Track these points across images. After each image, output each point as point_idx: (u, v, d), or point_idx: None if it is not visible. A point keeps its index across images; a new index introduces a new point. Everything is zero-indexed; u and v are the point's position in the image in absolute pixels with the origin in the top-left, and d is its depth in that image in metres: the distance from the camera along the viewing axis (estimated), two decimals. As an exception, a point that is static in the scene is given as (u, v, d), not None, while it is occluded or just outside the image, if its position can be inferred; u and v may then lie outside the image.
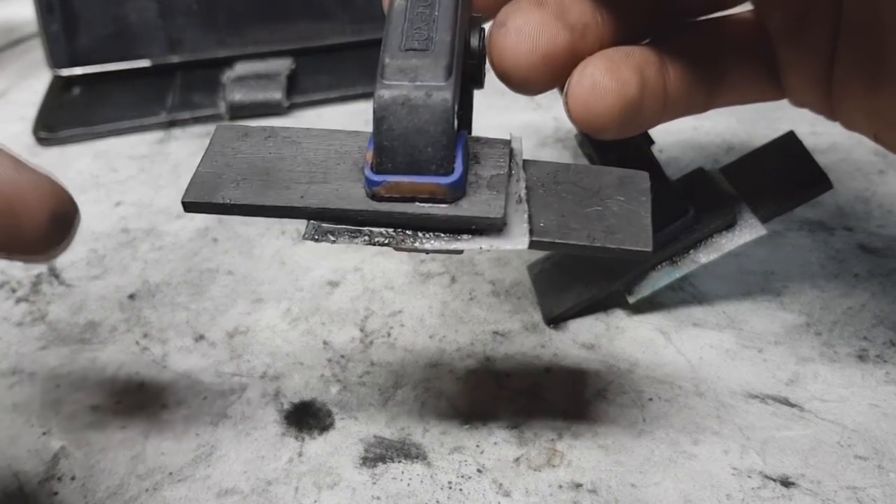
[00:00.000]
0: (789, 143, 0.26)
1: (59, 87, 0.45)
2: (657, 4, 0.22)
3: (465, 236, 0.17)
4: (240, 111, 0.41)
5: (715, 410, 0.24)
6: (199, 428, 0.24)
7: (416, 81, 0.17)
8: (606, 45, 0.21)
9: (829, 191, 0.26)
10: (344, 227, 0.17)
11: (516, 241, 0.17)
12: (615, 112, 0.20)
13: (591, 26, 0.21)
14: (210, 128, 0.41)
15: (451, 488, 0.22)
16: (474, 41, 0.20)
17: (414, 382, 0.25)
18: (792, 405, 0.24)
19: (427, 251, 0.17)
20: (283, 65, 0.43)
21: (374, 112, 0.17)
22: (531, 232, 0.17)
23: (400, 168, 0.17)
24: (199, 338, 0.28)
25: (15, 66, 0.50)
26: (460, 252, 0.18)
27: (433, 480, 0.22)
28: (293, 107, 0.42)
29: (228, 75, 0.43)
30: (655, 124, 0.22)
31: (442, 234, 0.17)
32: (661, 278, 0.26)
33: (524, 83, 0.20)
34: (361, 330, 0.28)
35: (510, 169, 0.18)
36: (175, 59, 0.44)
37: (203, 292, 0.30)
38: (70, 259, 0.33)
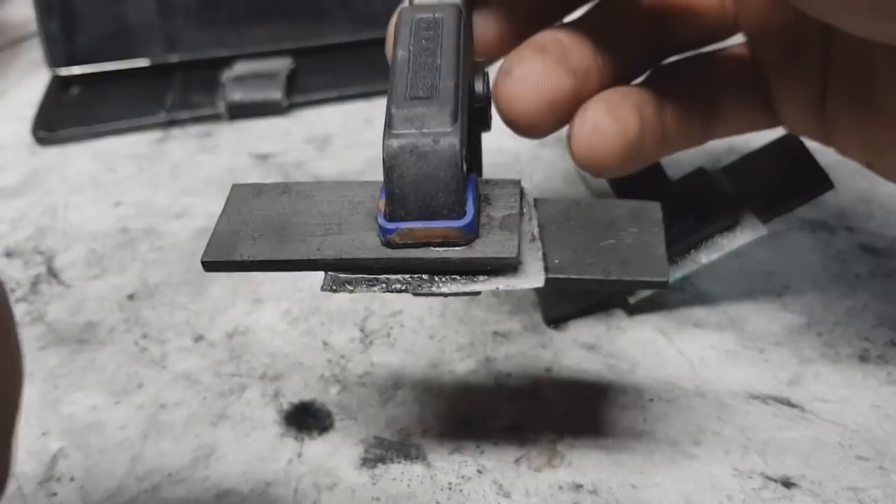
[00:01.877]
0: (790, 144, 0.26)
1: (58, 87, 0.45)
2: (653, 43, 0.23)
3: (481, 277, 0.17)
4: (239, 111, 0.41)
5: (716, 411, 0.24)
6: (198, 429, 0.24)
7: (423, 129, 0.17)
8: (608, 85, 0.21)
9: (830, 191, 0.26)
10: (361, 276, 0.18)
11: (532, 279, 0.17)
12: (617, 152, 0.20)
13: (592, 68, 0.21)
14: (209, 127, 0.41)
15: (451, 489, 0.22)
16: (478, 86, 0.20)
17: (414, 383, 0.25)
18: (793, 406, 0.24)
19: (445, 295, 0.18)
20: (282, 64, 0.43)
21: (384, 161, 0.17)
22: (546, 269, 0.18)
23: (412, 214, 0.17)
24: (199, 338, 0.28)
25: (14, 65, 0.50)
26: (478, 293, 0.18)
27: (433, 481, 0.22)
28: (292, 106, 0.42)
29: (227, 75, 0.43)
30: (655, 160, 0.22)
31: (458, 277, 0.17)
32: (661, 278, 0.26)
33: (530, 128, 0.21)
34: (361, 330, 0.28)
35: (521, 208, 0.18)
36: (174, 58, 0.44)
37: (202, 292, 0.30)
38: (69, 259, 0.32)
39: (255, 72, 0.43)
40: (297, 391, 0.25)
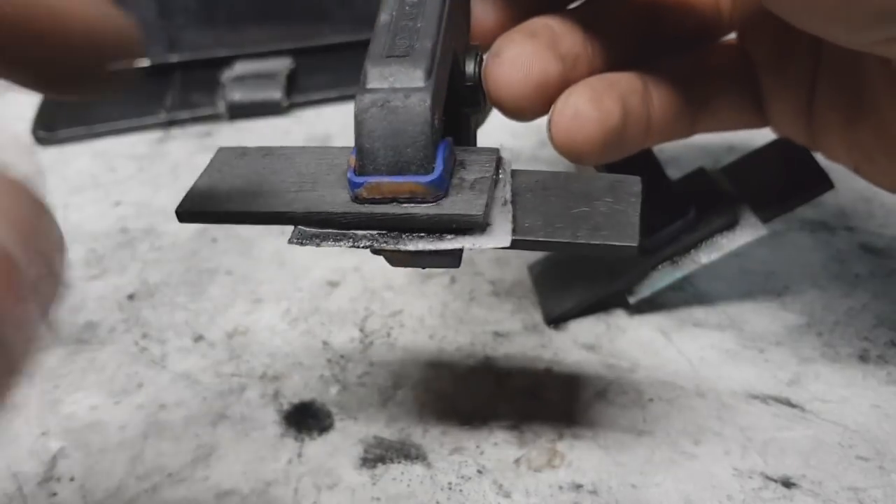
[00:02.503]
0: (791, 143, 0.26)
1: (58, 87, 0.45)
2: (645, 34, 0.23)
3: (448, 236, 0.17)
4: (239, 111, 0.41)
5: (716, 411, 0.24)
6: (198, 428, 0.24)
7: (395, 85, 0.17)
8: (597, 73, 0.21)
9: (830, 191, 0.26)
10: (328, 230, 0.18)
11: (499, 239, 0.17)
12: (596, 140, 0.20)
13: (581, 56, 0.21)
14: (209, 127, 0.41)
15: (451, 489, 0.22)
16: (469, 66, 0.20)
17: (414, 383, 0.25)
18: (793, 406, 0.24)
19: (411, 252, 0.17)
20: (282, 64, 0.43)
21: (355, 116, 0.17)
22: (514, 231, 0.17)
23: (381, 169, 0.17)
24: (199, 338, 0.28)
25: (14, 65, 0.50)
26: (449, 258, 0.18)
27: (433, 481, 0.22)
28: (293, 106, 0.42)
29: (227, 75, 0.43)
30: (637, 150, 0.22)
31: (425, 235, 0.17)
32: (661, 278, 0.26)
33: (518, 111, 0.21)
34: (361, 330, 0.28)
35: (497, 174, 0.18)
36: (174, 58, 0.44)
37: (202, 292, 0.30)
38: (69, 259, 0.32)
39: (255, 72, 0.43)
40: (296, 391, 0.25)
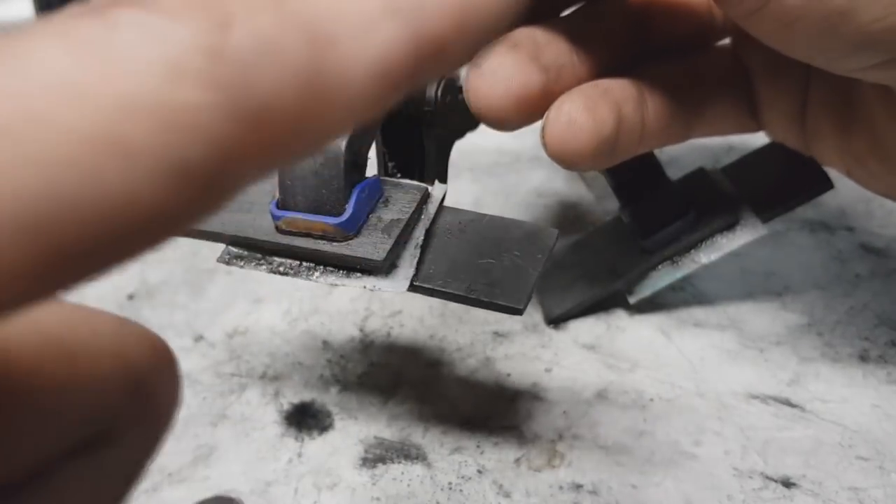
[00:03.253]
0: (790, 143, 0.26)
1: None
2: (637, 41, 0.23)
3: (356, 274, 0.19)
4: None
5: (716, 411, 0.24)
6: (198, 428, 0.24)
7: None
8: (584, 82, 0.21)
9: (830, 191, 0.26)
10: (253, 254, 0.19)
11: (398, 284, 0.18)
12: (590, 149, 0.20)
13: (566, 66, 0.21)
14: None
15: (451, 489, 0.22)
16: (430, 91, 0.21)
17: (414, 383, 0.25)
18: (793, 405, 0.24)
19: (322, 283, 0.19)
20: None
21: None
22: (416, 277, 0.19)
23: (299, 206, 0.18)
24: (199, 338, 0.28)
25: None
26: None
27: (433, 481, 0.22)
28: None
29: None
30: (632, 155, 0.23)
31: (335, 270, 0.19)
32: (662, 278, 0.26)
33: (499, 123, 0.21)
34: (361, 330, 0.28)
35: (416, 214, 0.19)
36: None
37: (202, 292, 0.30)
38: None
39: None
40: (296, 391, 0.25)
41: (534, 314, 0.28)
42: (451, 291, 0.19)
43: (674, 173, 0.27)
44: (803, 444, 0.22)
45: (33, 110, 0.07)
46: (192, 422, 0.24)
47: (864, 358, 0.25)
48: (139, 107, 0.08)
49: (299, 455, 0.23)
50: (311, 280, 0.19)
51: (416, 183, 0.20)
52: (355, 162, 0.18)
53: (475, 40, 0.11)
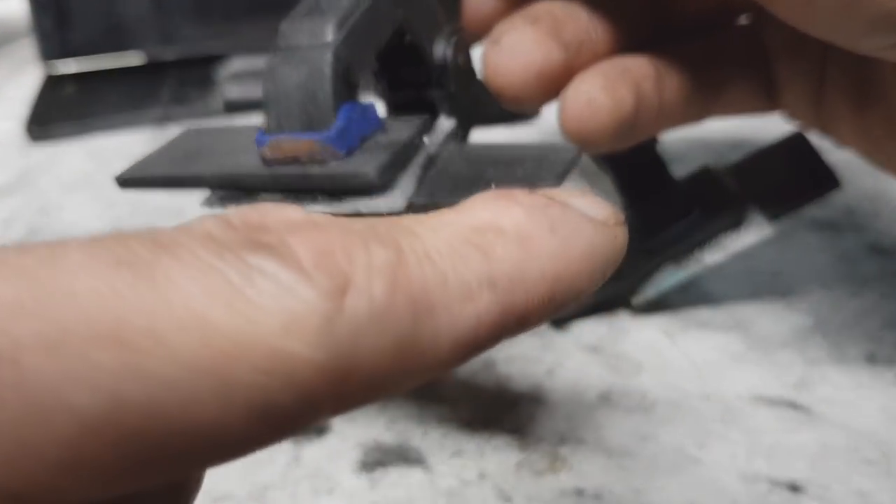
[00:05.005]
0: (797, 142, 0.26)
1: (52, 84, 0.44)
2: (656, 19, 0.22)
3: (347, 198, 0.17)
4: (235, 107, 0.41)
5: (721, 414, 0.23)
6: (193, 432, 0.24)
7: (302, 42, 0.17)
8: (602, 59, 0.21)
9: (837, 190, 0.25)
10: (236, 193, 0.18)
11: (394, 201, 0.17)
12: (609, 129, 0.20)
13: (586, 42, 0.21)
14: (205, 124, 0.41)
15: (451, 494, 0.22)
16: (438, 49, 0.20)
17: (413, 385, 0.25)
18: (799, 408, 0.23)
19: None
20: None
21: (263, 74, 0.17)
22: (415, 194, 0.17)
23: (284, 126, 0.17)
24: (194, 339, 0.28)
25: (7, 62, 0.49)
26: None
27: (433, 486, 0.22)
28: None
29: (223, 71, 0.43)
30: (649, 137, 0.22)
31: (326, 197, 0.17)
32: (666, 279, 0.26)
33: (518, 100, 0.20)
34: (360, 331, 0.27)
35: (416, 139, 0.18)
36: (169, 54, 0.44)
37: (198, 292, 0.30)
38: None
39: (251, 68, 0.42)
40: (294, 394, 0.25)
41: (535, 315, 0.27)
42: (452, 201, 0.17)
43: (678, 171, 0.27)
44: (810, 447, 0.22)
45: (159, 330, 0.08)
46: (187, 425, 0.24)
47: (871, 360, 0.25)
48: (252, 348, 0.08)
49: (297, 459, 0.23)
50: None
51: (419, 116, 0.19)
52: (344, 76, 0.17)
53: (555, 313, 0.11)
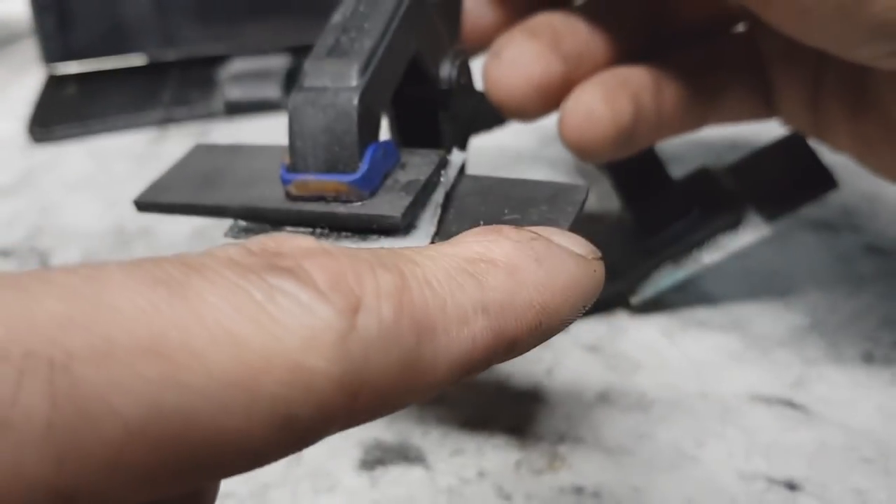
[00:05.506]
0: (795, 143, 0.26)
1: (54, 85, 0.44)
2: (655, 30, 0.23)
3: (372, 237, 0.17)
4: (236, 108, 0.41)
5: (719, 413, 0.23)
6: (194, 431, 0.24)
7: (328, 83, 0.17)
8: (601, 69, 0.21)
9: (835, 190, 0.25)
10: (262, 226, 0.18)
11: (417, 242, 0.17)
12: (609, 138, 0.20)
13: (585, 54, 0.21)
14: (206, 125, 0.41)
15: (451, 492, 0.22)
16: (444, 70, 0.20)
17: (413, 384, 0.25)
18: (797, 407, 0.23)
19: None
20: (280, 62, 0.43)
21: (289, 114, 0.17)
22: (437, 235, 0.18)
23: (310, 166, 0.17)
24: (195, 339, 0.28)
25: (9, 63, 0.50)
26: None
27: (433, 484, 0.22)
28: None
29: (225, 72, 0.43)
30: (647, 146, 0.22)
31: (350, 235, 0.18)
32: (664, 279, 0.26)
33: (519, 112, 0.21)
34: (360, 331, 0.27)
35: (435, 176, 0.18)
36: (171, 55, 0.44)
37: (199, 292, 0.30)
38: (64, 259, 0.32)
39: (253, 69, 0.43)
40: (295, 393, 0.25)
41: (534, 315, 0.27)
42: None
43: (676, 172, 0.27)
44: (807, 446, 0.22)
45: (193, 345, 0.09)
46: (188, 424, 0.24)
47: (868, 359, 0.25)
48: (276, 362, 0.09)
49: (298, 458, 0.23)
50: None
51: (432, 150, 0.19)
52: (369, 119, 0.17)
53: (541, 340, 0.12)
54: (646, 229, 0.26)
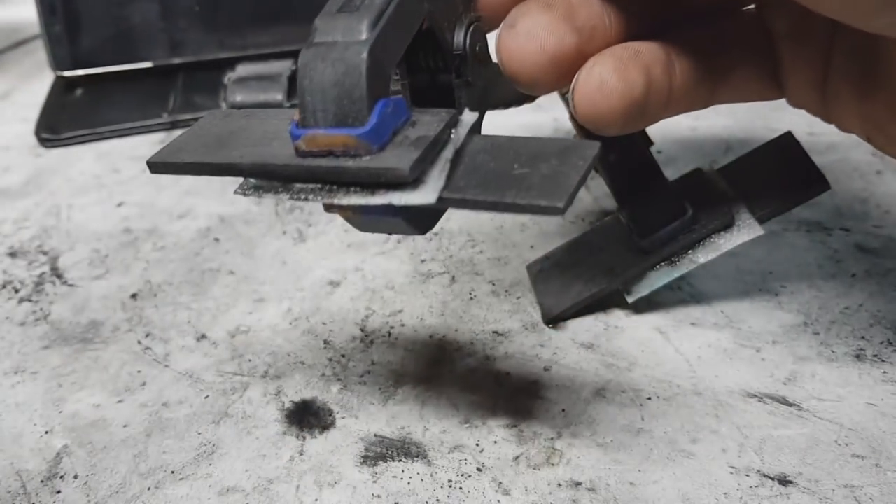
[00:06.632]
0: (787, 144, 0.26)
1: (62, 89, 0.45)
2: (667, 5, 0.23)
3: (380, 191, 0.17)
4: (241, 112, 0.42)
5: (713, 409, 0.24)
6: (200, 426, 0.25)
7: (338, 38, 0.17)
8: (614, 44, 0.21)
9: (826, 191, 0.26)
10: (272, 183, 0.18)
11: (426, 195, 0.17)
12: (620, 111, 0.20)
13: (599, 27, 0.21)
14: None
15: (450, 486, 0.22)
16: (457, 36, 0.20)
17: (414, 381, 0.26)
18: (789, 404, 0.24)
19: (343, 207, 0.18)
20: (284, 66, 0.44)
21: (297, 69, 0.17)
22: (445, 189, 0.17)
23: (320, 121, 0.17)
24: (201, 337, 0.28)
25: (17, 67, 0.50)
26: (405, 222, 0.18)
27: (433, 479, 0.22)
28: (294, 108, 0.42)
29: (230, 77, 0.43)
30: (657, 121, 0.22)
31: (358, 189, 0.17)
32: (659, 278, 0.26)
33: (533, 83, 0.21)
34: (362, 329, 0.28)
35: (445, 133, 0.18)
36: (177, 60, 0.45)
37: (205, 292, 0.30)
38: (72, 259, 0.33)
39: (258, 74, 0.43)
40: (298, 389, 0.26)
41: (532, 313, 0.28)
42: (483, 199, 0.17)
43: (671, 173, 0.28)
44: (799, 442, 0.23)
45: None
46: (194, 420, 0.25)
47: (859, 357, 0.25)
48: None
49: (301, 453, 0.23)
50: (333, 203, 0.17)
51: (445, 109, 0.19)
52: (379, 73, 0.17)
53: None
54: (641, 229, 0.26)
